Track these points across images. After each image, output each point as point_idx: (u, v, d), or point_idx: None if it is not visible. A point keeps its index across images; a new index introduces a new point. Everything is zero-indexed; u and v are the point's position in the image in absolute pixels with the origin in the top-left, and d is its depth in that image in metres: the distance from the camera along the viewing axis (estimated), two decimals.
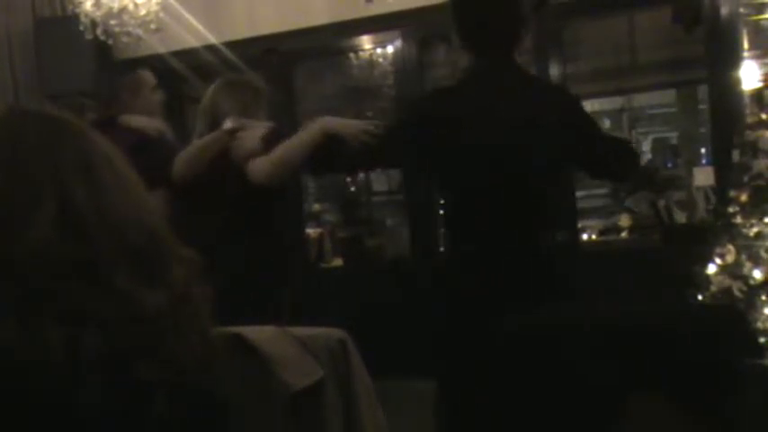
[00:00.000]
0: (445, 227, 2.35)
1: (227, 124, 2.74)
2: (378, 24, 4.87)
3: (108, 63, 4.88)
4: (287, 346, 1.43)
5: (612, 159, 2.32)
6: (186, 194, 2.82)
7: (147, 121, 3.12)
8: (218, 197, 2.80)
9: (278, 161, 2.40)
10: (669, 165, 7.16)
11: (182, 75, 4.83)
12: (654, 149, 7.72)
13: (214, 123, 2.84)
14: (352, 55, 5.66)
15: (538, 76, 3.57)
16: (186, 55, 4.93)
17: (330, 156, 2.27)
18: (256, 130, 2.61)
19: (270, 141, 2.49)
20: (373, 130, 2.20)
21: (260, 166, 2.46)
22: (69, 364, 0.78)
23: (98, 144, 0.93)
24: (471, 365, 2.04)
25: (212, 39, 4.96)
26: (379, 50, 5.48)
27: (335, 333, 1.56)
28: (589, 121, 2.33)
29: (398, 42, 4.94)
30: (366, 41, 5.16)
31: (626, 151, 2.39)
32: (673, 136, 7.62)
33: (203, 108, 2.96)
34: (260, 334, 1.41)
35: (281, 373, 1.37)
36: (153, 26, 4.04)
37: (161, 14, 4.10)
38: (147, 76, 3.31)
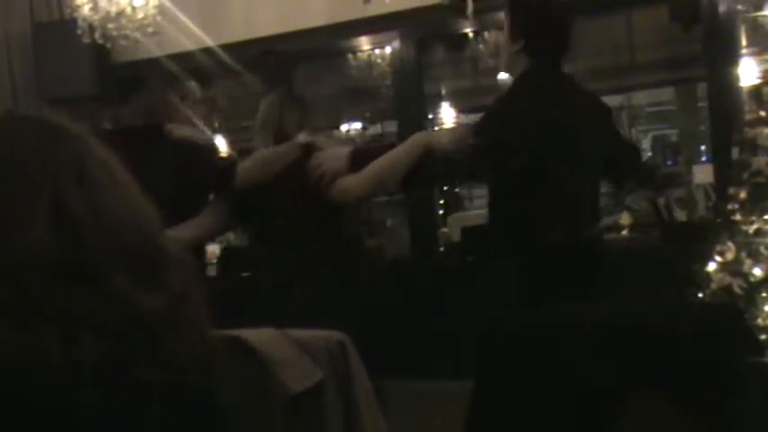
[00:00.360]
0: (504, 225, 2.40)
1: (301, 138, 2.75)
2: (376, 25, 4.86)
3: (106, 66, 4.88)
4: (286, 349, 1.43)
5: (630, 165, 2.64)
6: (245, 199, 2.81)
7: (192, 131, 3.09)
8: (283, 206, 2.79)
9: (371, 181, 2.36)
10: (669, 162, 7.18)
11: (180, 77, 4.83)
12: (653, 147, 7.73)
13: (281, 136, 2.84)
14: (350, 56, 5.66)
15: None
16: (184, 58, 4.93)
17: (425, 170, 2.27)
18: (339, 150, 2.55)
19: (353, 162, 2.43)
20: (468, 139, 2.20)
21: (347, 187, 2.41)
22: (68, 364, 0.78)
23: (94, 148, 0.93)
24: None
25: (210, 41, 4.96)
26: (377, 51, 5.48)
27: (335, 335, 1.55)
28: (617, 130, 2.64)
29: (396, 43, 4.93)
30: (364, 42, 5.15)
31: (637, 155, 2.75)
32: (672, 133, 7.64)
33: (265, 121, 2.94)
34: (259, 336, 1.41)
35: (281, 375, 1.37)
36: (150, 29, 4.05)
37: (158, 18, 4.10)
38: (194, 88, 3.31)
